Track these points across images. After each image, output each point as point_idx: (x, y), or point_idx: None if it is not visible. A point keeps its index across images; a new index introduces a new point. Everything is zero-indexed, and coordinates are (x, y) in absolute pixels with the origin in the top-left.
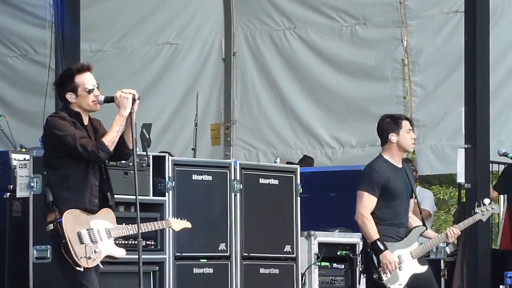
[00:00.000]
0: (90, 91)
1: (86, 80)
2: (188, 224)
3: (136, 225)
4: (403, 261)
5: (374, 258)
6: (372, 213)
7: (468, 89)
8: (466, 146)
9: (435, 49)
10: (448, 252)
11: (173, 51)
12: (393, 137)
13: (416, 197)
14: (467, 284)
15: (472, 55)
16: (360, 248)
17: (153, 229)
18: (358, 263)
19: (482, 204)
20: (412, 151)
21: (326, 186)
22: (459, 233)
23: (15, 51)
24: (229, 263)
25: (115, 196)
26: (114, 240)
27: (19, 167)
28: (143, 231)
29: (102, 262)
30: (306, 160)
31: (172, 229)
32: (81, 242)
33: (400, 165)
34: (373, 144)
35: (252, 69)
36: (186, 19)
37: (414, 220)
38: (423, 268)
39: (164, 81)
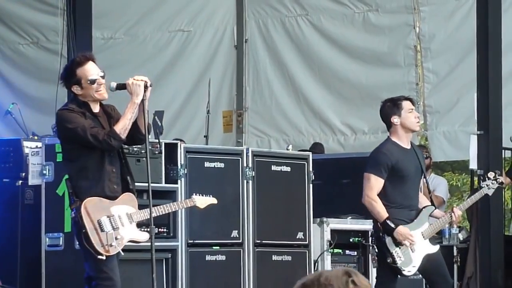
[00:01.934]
0: (93, 82)
1: (87, 71)
2: (213, 200)
3: (158, 207)
4: (415, 242)
5: (387, 240)
6: (383, 196)
7: (480, 75)
8: (478, 132)
9: (448, 35)
10: (461, 239)
11: (185, 38)
12: (395, 119)
13: (425, 177)
14: (480, 271)
15: (484, 40)
16: (371, 232)
17: (177, 209)
18: (370, 248)
19: (487, 178)
20: (418, 129)
21: (339, 172)
22: (460, 212)
23: (27, 38)
24: (242, 250)
25: None
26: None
27: (31, 155)
28: (166, 212)
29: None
30: (317, 147)
31: (197, 207)
32: (102, 230)
33: (408, 147)
34: (386, 131)
35: (264, 56)
36: (198, 6)
37: (423, 200)
38: (435, 248)
39: (176, 68)
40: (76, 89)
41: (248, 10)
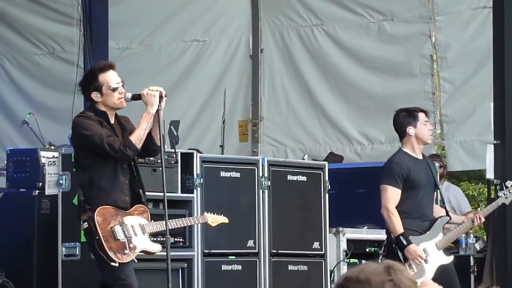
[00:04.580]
0: (114, 89)
1: (109, 78)
2: (225, 219)
3: (171, 221)
4: (428, 253)
5: (399, 253)
6: (396, 207)
7: (496, 84)
8: (495, 141)
9: (464, 44)
10: (478, 249)
11: (200, 48)
12: (410, 130)
13: (439, 188)
14: (497, 281)
15: (500, 49)
16: (384, 242)
17: (189, 224)
18: (381, 257)
19: (504, 187)
20: (430, 142)
21: (354, 182)
22: (483, 219)
23: (43, 49)
24: (258, 259)
25: None
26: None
27: (48, 165)
28: (179, 226)
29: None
30: (332, 158)
31: (208, 225)
32: (115, 238)
33: (420, 157)
34: None
35: (279, 66)
36: (213, 16)
37: (437, 211)
38: (449, 259)
39: (191, 78)
40: (95, 95)
41: (263, 20)
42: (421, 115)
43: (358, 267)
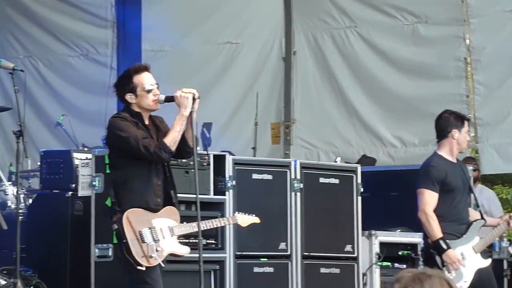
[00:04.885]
0: (149, 91)
1: (144, 80)
2: (256, 220)
3: (201, 222)
4: (466, 257)
5: (437, 257)
6: (433, 210)
7: None
8: None
9: (498, 47)
10: (511, 252)
11: (233, 50)
12: (456, 133)
13: (473, 192)
14: None
15: None
16: (421, 247)
17: (219, 225)
18: (420, 262)
19: None
20: (465, 151)
21: (387, 185)
22: None
23: (77, 50)
24: (290, 262)
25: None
26: (178, 238)
27: (81, 166)
28: (209, 228)
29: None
30: (365, 160)
31: (239, 225)
32: (143, 241)
33: (455, 161)
34: (436, 143)
35: (312, 68)
36: (246, 19)
37: (472, 214)
38: (487, 262)
39: (224, 80)
40: (130, 97)
41: (296, 22)
42: (466, 124)
43: (416, 270)
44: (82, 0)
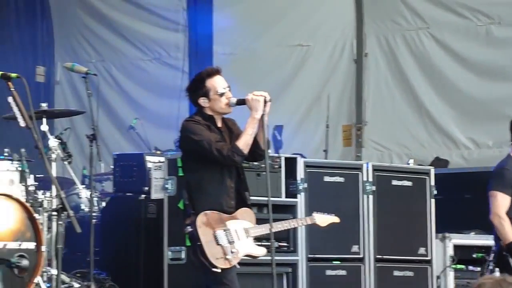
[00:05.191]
0: (222, 94)
1: (217, 83)
2: (335, 219)
3: (277, 223)
4: None
5: (510, 260)
6: (506, 213)
7: None
8: None
9: None
10: None
11: (304, 52)
12: None
13: None
14: None
15: None
16: (493, 249)
17: (296, 226)
18: (490, 264)
19: None
20: None
21: (461, 187)
22: None
23: (149, 54)
24: (362, 265)
25: None
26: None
27: (154, 169)
28: (286, 229)
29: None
30: (437, 163)
31: (317, 225)
32: (217, 243)
33: None
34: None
35: (384, 70)
36: (318, 21)
37: None
38: None
39: (295, 83)
40: (203, 101)
41: (368, 24)
42: None
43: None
44: (154, 4)
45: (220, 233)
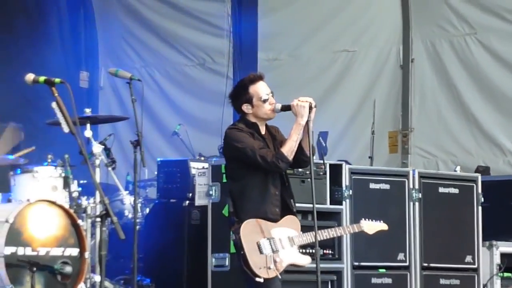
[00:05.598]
0: (265, 101)
1: (260, 89)
2: (384, 226)
3: (323, 231)
4: None
5: None
6: None
7: None
8: None
9: None
10: None
11: (350, 58)
12: None
13: None
14: None
15: None
16: None
17: (343, 234)
18: None
19: None
20: None
21: (508, 194)
22: None
23: (193, 60)
24: (408, 273)
25: None
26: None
27: (198, 175)
28: (332, 237)
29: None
30: (480, 171)
31: (365, 233)
32: (261, 252)
33: None
34: None
35: (431, 76)
36: (363, 26)
37: None
38: None
39: (340, 89)
40: (246, 107)
41: (414, 29)
42: None
43: None
44: (199, 10)
45: (264, 242)
